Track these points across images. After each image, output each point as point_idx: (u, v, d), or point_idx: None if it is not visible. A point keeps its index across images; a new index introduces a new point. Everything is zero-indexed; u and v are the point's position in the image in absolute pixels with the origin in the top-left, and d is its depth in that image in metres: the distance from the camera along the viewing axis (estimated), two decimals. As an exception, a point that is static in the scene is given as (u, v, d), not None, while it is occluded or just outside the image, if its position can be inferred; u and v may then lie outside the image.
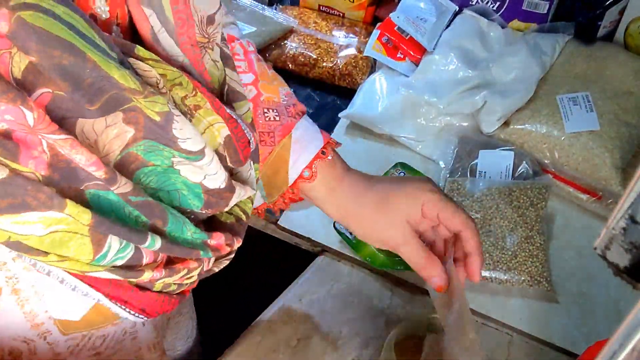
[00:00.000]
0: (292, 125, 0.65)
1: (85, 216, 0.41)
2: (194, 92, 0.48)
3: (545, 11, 1.05)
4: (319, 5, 1.19)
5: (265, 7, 1.16)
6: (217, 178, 0.48)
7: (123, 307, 0.49)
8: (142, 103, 0.43)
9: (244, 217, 0.56)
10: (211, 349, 0.79)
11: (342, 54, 1.09)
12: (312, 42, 1.11)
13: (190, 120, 0.47)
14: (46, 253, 0.42)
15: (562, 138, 0.91)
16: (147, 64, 0.46)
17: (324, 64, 1.09)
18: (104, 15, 0.46)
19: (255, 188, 0.55)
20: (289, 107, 0.66)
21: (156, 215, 0.45)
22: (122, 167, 0.44)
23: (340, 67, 1.08)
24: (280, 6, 1.20)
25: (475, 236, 0.61)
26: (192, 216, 0.49)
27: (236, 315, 0.84)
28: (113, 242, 0.44)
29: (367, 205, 0.63)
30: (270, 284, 0.84)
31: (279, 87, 0.67)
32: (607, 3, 1.02)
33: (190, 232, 0.48)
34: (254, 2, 1.17)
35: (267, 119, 0.64)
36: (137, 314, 0.51)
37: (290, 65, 1.10)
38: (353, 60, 1.09)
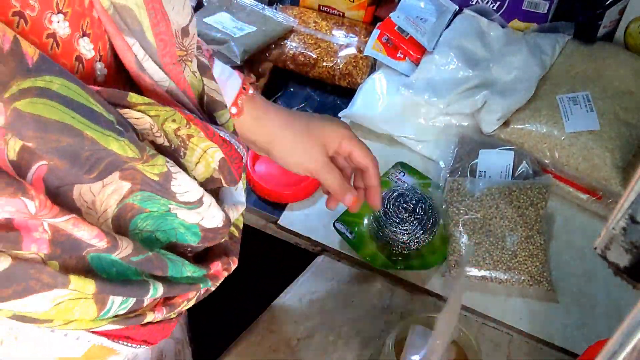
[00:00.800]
0: (210, 67, 0.65)
1: (90, 287, 0.42)
2: (187, 125, 0.48)
3: (546, 11, 1.05)
4: (319, 5, 1.19)
5: (266, 6, 1.16)
6: (215, 220, 0.48)
7: (125, 343, 0.50)
8: (140, 167, 0.43)
9: (237, 234, 0.57)
10: (210, 349, 0.79)
11: (342, 53, 1.09)
12: (312, 41, 1.11)
13: (185, 153, 0.47)
14: (51, 320, 0.43)
15: (562, 138, 0.91)
16: (139, 109, 0.45)
17: (324, 63, 1.09)
18: (88, 55, 0.45)
19: (245, 202, 0.56)
20: (202, 50, 0.66)
21: (156, 267, 0.46)
22: (119, 219, 0.44)
23: (340, 66, 1.08)
24: (281, 6, 1.19)
25: (377, 171, 0.72)
26: (189, 249, 0.50)
27: (236, 315, 0.84)
28: (116, 299, 0.45)
29: (292, 132, 0.68)
30: (270, 284, 0.84)
31: None
32: (607, 3, 1.01)
33: (190, 271, 0.49)
34: (254, 1, 1.17)
35: None
36: (139, 346, 0.52)
37: (290, 65, 1.10)
38: (353, 60, 1.09)
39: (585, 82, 0.97)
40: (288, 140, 0.67)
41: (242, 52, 1.04)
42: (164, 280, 0.47)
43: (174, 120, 0.47)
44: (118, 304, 0.45)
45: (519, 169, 0.90)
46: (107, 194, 0.43)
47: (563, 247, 0.87)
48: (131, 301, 0.46)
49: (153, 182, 0.44)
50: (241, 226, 0.58)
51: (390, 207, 0.82)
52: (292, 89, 1.11)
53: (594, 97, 0.94)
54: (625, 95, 0.95)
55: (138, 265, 0.45)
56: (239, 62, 1.04)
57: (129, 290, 0.44)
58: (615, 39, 1.05)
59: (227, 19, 1.11)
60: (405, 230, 0.81)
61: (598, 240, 0.33)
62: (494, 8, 1.07)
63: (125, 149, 0.41)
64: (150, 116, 0.46)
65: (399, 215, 0.81)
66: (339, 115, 1.00)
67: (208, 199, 0.47)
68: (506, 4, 1.06)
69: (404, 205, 0.82)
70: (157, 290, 0.46)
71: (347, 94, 1.06)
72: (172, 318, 0.54)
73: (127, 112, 0.45)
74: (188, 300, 0.52)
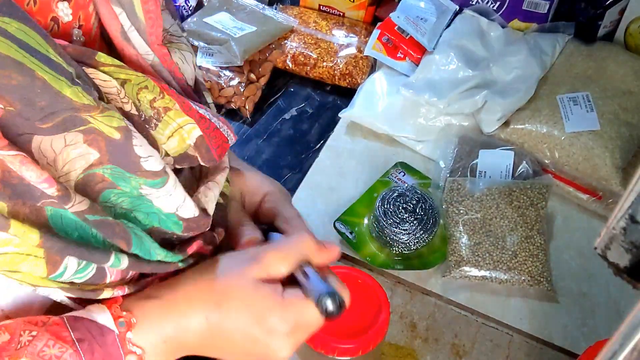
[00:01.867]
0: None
1: (33, 236, 0.39)
2: (161, 95, 0.46)
3: (546, 11, 1.05)
4: (319, 5, 1.19)
5: (266, 6, 1.16)
6: (188, 207, 0.47)
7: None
8: (98, 120, 0.41)
9: (222, 201, 0.54)
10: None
11: (342, 53, 1.09)
12: (312, 41, 1.11)
13: (157, 125, 0.46)
14: None
15: (563, 138, 0.91)
16: (108, 70, 0.44)
17: (324, 63, 1.09)
18: (65, 19, 0.45)
19: (228, 165, 0.54)
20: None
21: (118, 236, 0.43)
22: (86, 186, 0.42)
23: (341, 66, 1.08)
24: (281, 6, 1.20)
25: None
26: (175, 236, 0.48)
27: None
28: (70, 263, 0.42)
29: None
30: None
31: None
32: (607, 3, 1.02)
33: (161, 256, 0.46)
34: (254, 1, 1.17)
35: None
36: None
37: (290, 65, 1.10)
38: (353, 60, 1.09)
39: (585, 82, 0.97)
40: None
41: (242, 52, 1.04)
42: (131, 255, 0.44)
43: (146, 88, 0.46)
44: (73, 269, 0.42)
45: (519, 169, 0.90)
46: (72, 156, 0.41)
47: (563, 247, 0.87)
48: (90, 270, 0.43)
49: (116, 148, 0.42)
50: (227, 192, 0.55)
51: (390, 207, 0.82)
52: (292, 89, 1.11)
53: (594, 97, 0.94)
54: (625, 95, 0.95)
55: (95, 226, 0.42)
56: (239, 62, 1.04)
57: (84, 252, 0.41)
58: (615, 39, 1.05)
59: (227, 19, 1.11)
60: (405, 230, 0.81)
61: (598, 240, 0.33)
62: (494, 8, 1.07)
63: (79, 95, 0.40)
64: (119, 80, 0.45)
65: (399, 215, 0.81)
66: (339, 115, 1.00)
67: (171, 174, 0.45)
68: (506, 4, 1.07)
69: (404, 205, 0.82)
70: (121, 261, 0.43)
71: (347, 94, 1.06)
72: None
73: (93, 73, 0.44)
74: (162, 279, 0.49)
